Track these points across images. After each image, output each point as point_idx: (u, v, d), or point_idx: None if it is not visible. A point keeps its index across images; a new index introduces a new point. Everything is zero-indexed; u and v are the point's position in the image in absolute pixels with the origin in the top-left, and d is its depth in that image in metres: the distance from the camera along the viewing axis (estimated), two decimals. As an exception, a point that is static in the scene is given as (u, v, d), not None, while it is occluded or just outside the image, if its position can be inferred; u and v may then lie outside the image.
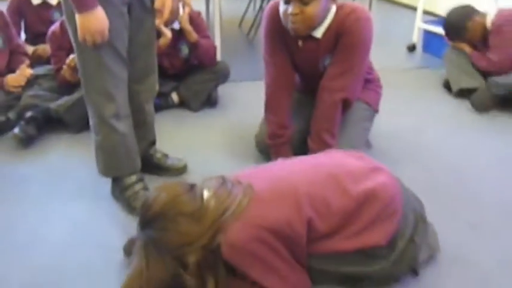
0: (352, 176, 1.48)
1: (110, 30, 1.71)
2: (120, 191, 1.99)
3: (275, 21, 2.06)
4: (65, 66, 2.68)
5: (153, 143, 2.23)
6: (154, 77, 2.10)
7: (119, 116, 1.88)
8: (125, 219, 1.91)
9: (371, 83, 2.30)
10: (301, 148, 2.15)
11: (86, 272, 1.61)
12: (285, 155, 1.94)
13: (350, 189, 1.43)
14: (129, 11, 1.82)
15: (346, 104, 2.09)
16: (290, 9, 1.91)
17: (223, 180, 1.45)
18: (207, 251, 1.34)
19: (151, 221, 1.36)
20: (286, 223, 1.36)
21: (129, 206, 1.95)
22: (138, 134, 2.04)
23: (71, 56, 2.66)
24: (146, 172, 2.10)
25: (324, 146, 2.05)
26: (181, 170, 2.24)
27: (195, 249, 1.33)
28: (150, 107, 2.13)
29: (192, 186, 1.42)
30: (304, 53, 2.09)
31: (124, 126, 1.91)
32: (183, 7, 2.84)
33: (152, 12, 1.94)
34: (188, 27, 2.82)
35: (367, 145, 2.38)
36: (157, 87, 2.15)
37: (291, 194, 1.40)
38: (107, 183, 2.07)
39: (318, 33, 2.01)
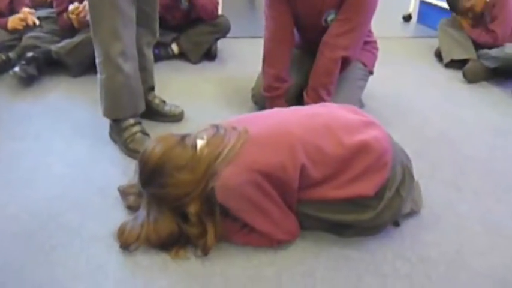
0: (346, 127, 1.47)
1: None
2: (117, 133, 1.97)
3: None
4: (71, 15, 2.61)
5: (152, 88, 2.20)
6: (156, 23, 2.06)
7: (126, 55, 1.85)
8: (123, 160, 1.90)
9: (368, 44, 2.28)
10: (297, 103, 2.13)
11: (82, 208, 1.61)
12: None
13: (344, 140, 1.43)
14: None
15: (345, 63, 2.08)
16: None
17: (217, 128, 1.45)
18: (203, 198, 1.36)
19: (150, 178, 1.38)
20: (279, 167, 1.36)
21: (126, 147, 1.93)
22: None
23: (75, 4, 2.59)
24: (144, 117, 2.08)
25: (319, 101, 2.04)
26: (179, 117, 2.22)
27: (193, 199, 1.36)
28: (149, 52, 2.10)
29: (183, 137, 1.42)
30: (308, 5, 2.05)
31: (129, 67, 1.88)
32: None
33: None
34: None
35: (360, 104, 2.37)
36: (157, 34, 2.11)
37: (286, 139, 1.39)
38: (105, 126, 2.05)
39: None
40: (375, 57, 2.33)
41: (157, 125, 2.16)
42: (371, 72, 2.33)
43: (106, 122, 2.04)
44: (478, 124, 2.39)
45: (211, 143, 1.39)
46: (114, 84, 1.88)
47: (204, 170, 1.35)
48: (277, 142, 1.39)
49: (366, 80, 2.30)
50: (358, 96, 2.27)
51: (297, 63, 2.24)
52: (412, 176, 1.56)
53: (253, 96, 2.33)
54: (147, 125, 2.07)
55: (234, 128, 1.43)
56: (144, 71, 2.09)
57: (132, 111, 1.97)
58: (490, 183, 1.88)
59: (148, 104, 2.16)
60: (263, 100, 2.23)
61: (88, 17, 2.56)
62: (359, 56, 2.21)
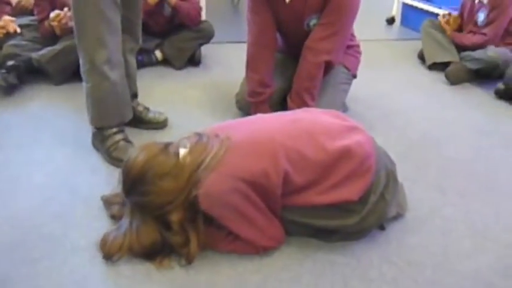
0: (328, 132, 1.47)
1: None
2: (100, 141, 1.94)
3: None
4: (53, 23, 2.57)
5: (135, 95, 2.18)
6: (139, 29, 2.04)
7: (112, 62, 1.83)
8: (106, 169, 1.87)
9: (351, 48, 2.29)
10: (281, 108, 2.13)
11: (64, 218, 1.58)
12: (264, 113, 1.88)
13: (326, 145, 1.42)
14: None
15: (328, 67, 2.08)
16: None
17: (199, 136, 1.44)
18: (186, 206, 1.35)
19: (133, 186, 1.37)
20: (262, 174, 1.35)
21: (109, 156, 1.90)
22: None
23: (56, 11, 2.56)
24: (127, 125, 2.05)
25: (303, 105, 2.04)
26: (162, 124, 2.20)
27: (176, 207, 1.35)
28: (132, 59, 2.08)
29: (166, 145, 1.41)
30: (291, 11, 2.05)
31: (116, 74, 1.86)
32: None
33: None
34: None
35: (344, 108, 2.37)
36: (140, 41, 2.09)
37: (268, 146, 1.38)
38: (87, 134, 2.02)
39: None
40: (358, 60, 2.33)
41: (140, 132, 2.14)
42: (354, 76, 2.33)
43: (88, 131, 2.01)
44: (461, 125, 2.40)
45: (194, 151, 1.38)
46: (101, 92, 1.86)
47: (187, 177, 1.34)
48: (259, 149, 1.38)
49: (349, 84, 2.30)
50: (342, 100, 2.27)
51: (280, 68, 2.23)
52: (396, 179, 1.56)
53: (237, 102, 2.32)
54: (131, 132, 2.05)
55: (216, 136, 1.42)
56: (127, 77, 2.06)
57: (119, 119, 1.95)
58: (475, 184, 1.89)
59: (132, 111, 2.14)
60: (247, 106, 2.22)
61: (71, 24, 2.55)
62: (342, 60, 2.21)
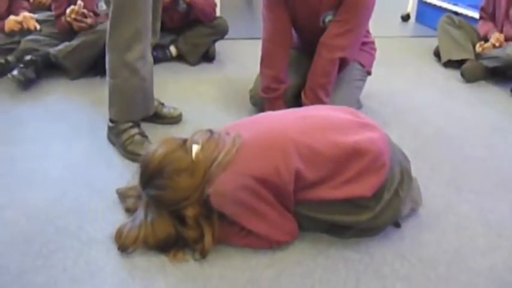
0: (341, 129, 1.46)
1: None
2: (116, 135, 1.95)
3: None
4: (69, 18, 2.59)
5: None
6: (158, 23, 2.07)
7: (145, 58, 1.85)
8: (121, 162, 1.89)
9: (366, 45, 2.28)
10: (295, 104, 2.12)
11: (80, 211, 1.60)
12: (278, 109, 1.89)
13: (338, 141, 1.42)
14: None
15: (343, 64, 2.08)
16: None
17: (210, 133, 1.44)
18: (201, 202, 1.36)
19: (150, 180, 1.37)
20: (273, 172, 1.35)
21: (124, 150, 1.92)
22: None
23: (72, 7, 2.58)
24: (142, 120, 2.06)
25: (318, 102, 2.04)
26: (177, 119, 2.21)
27: (191, 203, 1.36)
28: (150, 53, 2.08)
29: (184, 142, 1.42)
30: (307, 6, 2.04)
31: (147, 70, 1.88)
32: None
33: None
34: None
35: (358, 104, 2.36)
36: (158, 35, 2.11)
37: (279, 143, 1.38)
38: (103, 128, 2.04)
39: None
40: (372, 57, 2.32)
41: (155, 127, 2.15)
42: (369, 73, 2.32)
43: (104, 124, 2.03)
44: (476, 122, 2.38)
45: (207, 148, 1.39)
46: (130, 87, 1.87)
47: (202, 175, 1.35)
48: (270, 147, 1.38)
49: (364, 81, 2.29)
50: (356, 97, 2.26)
51: (295, 64, 2.23)
52: (410, 176, 1.55)
53: (251, 97, 2.32)
54: (145, 127, 2.06)
55: (227, 134, 1.42)
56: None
57: (143, 114, 1.98)
58: (490, 182, 1.87)
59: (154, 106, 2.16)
60: (261, 101, 2.22)
61: (87, 21, 2.57)
62: (357, 57, 2.20)
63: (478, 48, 2.94)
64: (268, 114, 1.60)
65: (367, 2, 1.99)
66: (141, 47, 1.81)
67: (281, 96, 2.16)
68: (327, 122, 1.48)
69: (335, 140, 1.42)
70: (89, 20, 2.61)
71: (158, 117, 2.18)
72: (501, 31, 2.95)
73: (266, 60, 2.15)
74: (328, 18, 2.04)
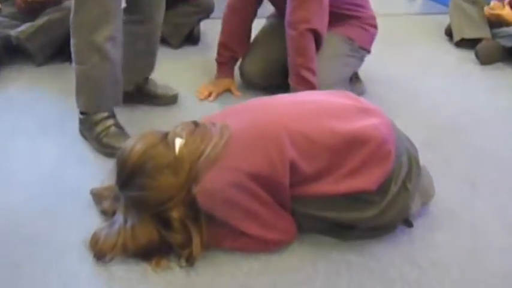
0: (339, 115, 1.48)
1: None
2: (89, 128, 1.95)
3: None
4: None
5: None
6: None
7: (114, 39, 1.84)
8: (96, 159, 1.89)
9: (357, 19, 2.31)
10: (284, 78, 2.24)
11: (49, 215, 1.60)
12: (224, 75, 2.42)
13: (337, 128, 1.43)
14: None
15: (318, 38, 2.13)
16: None
17: (195, 125, 1.45)
18: (187, 203, 1.36)
19: (129, 179, 1.37)
20: (266, 165, 1.36)
21: (98, 143, 1.92)
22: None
23: None
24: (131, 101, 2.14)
25: (305, 83, 2.11)
26: (172, 99, 2.30)
27: (176, 204, 1.36)
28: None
29: (165, 135, 1.42)
30: None
31: (117, 53, 1.88)
32: None
33: None
34: None
35: (359, 89, 2.39)
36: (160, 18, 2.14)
37: (271, 132, 1.39)
38: (74, 120, 2.03)
39: None
40: (368, 33, 2.36)
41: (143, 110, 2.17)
42: (365, 50, 2.36)
43: (75, 116, 2.02)
44: (492, 110, 2.41)
45: (191, 142, 1.39)
46: (99, 73, 1.87)
47: (187, 171, 1.35)
48: (261, 137, 1.39)
49: (355, 57, 2.33)
50: (344, 75, 2.29)
51: (277, 36, 2.33)
52: (419, 166, 1.56)
53: (241, 74, 2.47)
54: (134, 111, 2.08)
55: (213, 124, 1.43)
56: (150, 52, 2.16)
57: (114, 103, 1.98)
58: (507, 176, 1.90)
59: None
60: (254, 77, 2.41)
61: None
62: (342, 31, 2.25)
63: (487, 12, 2.98)
64: (258, 100, 1.60)
65: None
66: (111, 26, 1.80)
67: (227, 62, 2.43)
68: (324, 107, 1.49)
69: (333, 128, 1.42)
70: None
71: (152, 97, 2.24)
72: None
73: (223, 26, 2.41)
74: None
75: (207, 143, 1.37)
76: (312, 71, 2.13)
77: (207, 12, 2.95)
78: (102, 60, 1.84)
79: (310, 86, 2.12)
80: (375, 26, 2.38)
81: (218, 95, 2.39)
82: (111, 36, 1.82)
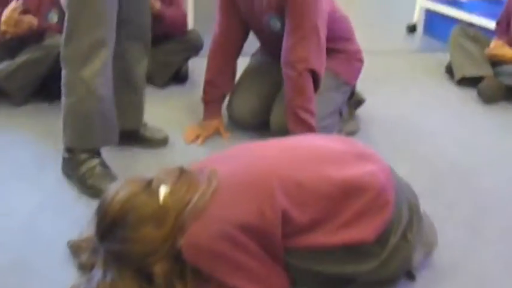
0: (334, 160, 1.47)
1: None
2: (73, 168, 1.95)
3: None
4: (5, 27, 2.57)
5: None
6: (149, 34, 2.15)
7: (103, 75, 1.86)
8: (74, 208, 1.86)
9: (342, 53, 2.37)
10: (267, 114, 2.34)
11: (23, 268, 1.56)
12: (212, 113, 2.43)
13: (333, 176, 1.42)
14: None
15: (315, 78, 2.16)
16: None
17: (181, 171, 1.44)
18: (172, 256, 1.34)
19: (109, 230, 1.35)
20: (257, 215, 1.35)
21: (83, 184, 1.92)
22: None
23: (7, 11, 2.53)
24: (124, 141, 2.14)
25: (304, 125, 2.13)
26: (162, 142, 2.30)
27: (160, 258, 1.34)
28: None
29: (149, 182, 1.40)
30: (250, 5, 2.25)
31: (106, 89, 1.90)
32: None
33: None
34: None
35: (354, 128, 2.42)
36: (149, 47, 2.19)
37: (262, 181, 1.38)
38: (53, 164, 2.03)
39: None
40: (353, 68, 2.42)
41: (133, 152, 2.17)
42: (350, 84, 2.41)
43: (54, 160, 2.02)
44: (497, 152, 2.41)
45: (176, 190, 1.37)
46: (86, 107, 1.88)
47: (172, 223, 1.33)
48: (251, 186, 1.37)
49: (341, 92, 2.38)
50: (329, 110, 2.31)
51: (265, 74, 2.45)
52: (420, 215, 1.55)
53: (229, 116, 2.51)
54: (124, 152, 2.09)
55: (201, 171, 1.42)
56: (137, 94, 2.17)
57: (103, 142, 1.99)
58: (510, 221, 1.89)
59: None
60: (242, 118, 2.45)
61: (28, 19, 2.53)
62: (328, 65, 2.29)
63: (487, 52, 3.06)
64: (249, 145, 1.60)
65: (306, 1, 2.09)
66: (99, 62, 1.84)
67: (214, 101, 2.46)
68: (318, 153, 1.49)
69: (328, 175, 1.42)
70: (26, 19, 2.54)
71: (140, 141, 2.25)
72: None
73: (207, 64, 2.45)
74: (273, 21, 2.19)
75: (194, 192, 1.36)
76: (310, 112, 2.15)
77: (195, 49, 2.99)
78: (90, 95, 1.86)
79: (309, 128, 2.13)
80: (361, 60, 2.45)
81: (206, 138, 2.39)
82: (99, 72, 1.85)
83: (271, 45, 2.32)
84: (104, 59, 1.85)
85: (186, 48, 2.96)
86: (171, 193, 1.37)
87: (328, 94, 2.29)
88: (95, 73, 1.84)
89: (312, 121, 2.15)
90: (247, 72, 2.54)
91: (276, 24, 2.20)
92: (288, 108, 2.18)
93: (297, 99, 2.15)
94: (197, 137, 2.38)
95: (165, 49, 2.92)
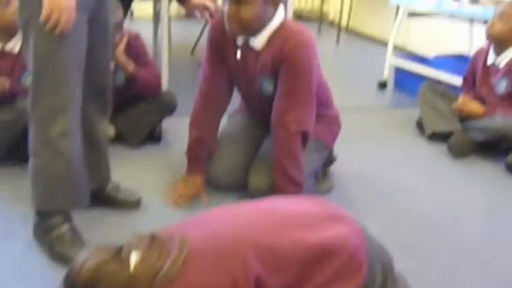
0: (307, 223, 1.46)
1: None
2: (43, 233, 1.91)
3: (218, 31, 2.24)
4: None
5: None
6: (109, 95, 2.13)
7: (69, 135, 1.85)
8: (41, 277, 1.81)
9: (323, 118, 2.39)
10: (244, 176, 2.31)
11: None
12: (196, 171, 2.38)
13: (305, 239, 1.41)
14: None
15: (304, 139, 2.18)
16: (226, 8, 2.08)
17: (151, 238, 1.41)
18: None
19: None
20: (228, 282, 1.31)
21: (51, 251, 1.88)
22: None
23: None
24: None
25: (293, 184, 2.17)
26: (134, 204, 2.26)
27: None
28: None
29: (119, 251, 1.37)
30: (242, 67, 2.22)
31: (72, 150, 1.88)
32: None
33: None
34: (122, 59, 2.79)
35: (328, 186, 2.43)
36: (110, 110, 2.17)
37: (234, 248, 1.36)
38: (20, 230, 1.98)
39: (257, 41, 2.15)
40: (331, 132, 2.44)
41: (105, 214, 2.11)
42: (328, 147, 2.43)
43: (22, 226, 1.96)
44: (470, 206, 2.43)
45: (148, 257, 1.34)
46: (53, 170, 1.86)
47: None
48: (223, 253, 1.35)
49: (320, 155, 2.39)
50: (307, 171, 2.30)
51: (246, 134, 2.43)
52: (394, 275, 1.53)
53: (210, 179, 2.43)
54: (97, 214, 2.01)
55: (172, 237, 1.39)
56: (100, 156, 2.14)
57: (71, 204, 1.95)
58: (493, 279, 1.88)
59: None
60: (224, 181, 2.40)
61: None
62: None
63: (455, 108, 3.17)
64: (220, 210, 1.58)
65: (302, 66, 2.12)
66: (63, 122, 1.82)
67: (200, 159, 2.40)
68: (291, 216, 1.48)
69: (301, 239, 1.40)
70: None
71: (112, 203, 2.22)
72: (483, 102, 3.12)
73: (194, 120, 2.42)
74: (266, 83, 2.20)
75: (165, 259, 1.33)
76: (301, 172, 2.17)
77: (169, 110, 2.98)
78: (55, 157, 1.84)
79: (298, 187, 2.16)
80: (339, 125, 2.47)
81: (189, 199, 2.34)
82: (65, 132, 1.83)
83: (259, 107, 2.32)
84: (69, 119, 1.84)
85: (160, 109, 2.95)
86: (142, 260, 1.34)
87: (308, 156, 2.29)
88: (60, 134, 1.82)
89: (301, 180, 2.16)
90: (227, 133, 2.51)
91: (268, 87, 2.22)
92: (276, 168, 2.18)
93: (287, 160, 2.16)
94: (179, 196, 2.34)
95: (138, 109, 2.92)
